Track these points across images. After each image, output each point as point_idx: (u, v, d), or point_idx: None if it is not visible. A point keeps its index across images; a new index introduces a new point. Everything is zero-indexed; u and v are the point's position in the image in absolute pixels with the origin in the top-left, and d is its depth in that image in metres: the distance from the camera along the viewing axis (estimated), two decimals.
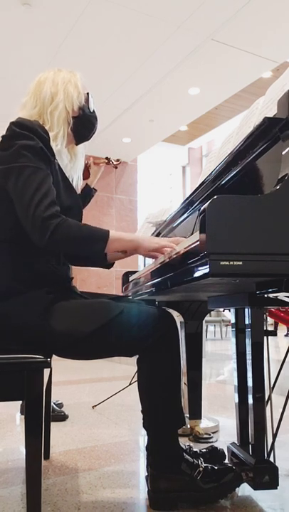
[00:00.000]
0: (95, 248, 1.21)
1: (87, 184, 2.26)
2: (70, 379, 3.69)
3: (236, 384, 1.44)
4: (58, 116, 1.34)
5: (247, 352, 1.28)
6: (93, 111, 1.45)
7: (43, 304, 1.23)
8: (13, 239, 1.28)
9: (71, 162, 1.45)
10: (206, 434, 1.91)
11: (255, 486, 1.24)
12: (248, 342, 1.26)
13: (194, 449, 1.39)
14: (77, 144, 1.47)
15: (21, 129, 1.24)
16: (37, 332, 1.21)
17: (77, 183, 1.47)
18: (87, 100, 1.42)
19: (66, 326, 1.22)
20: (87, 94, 1.43)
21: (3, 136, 1.25)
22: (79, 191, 1.50)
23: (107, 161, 2.47)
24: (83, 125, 1.42)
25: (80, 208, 1.44)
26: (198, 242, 0.89)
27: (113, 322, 1.23)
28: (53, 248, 1.22)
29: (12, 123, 1.25)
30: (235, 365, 1.45)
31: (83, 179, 1.69)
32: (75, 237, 1.20)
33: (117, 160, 2.63)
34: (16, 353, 1.15)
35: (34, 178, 1.20)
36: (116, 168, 2.68)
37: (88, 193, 2.24)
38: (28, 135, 1.23)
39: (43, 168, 1.23)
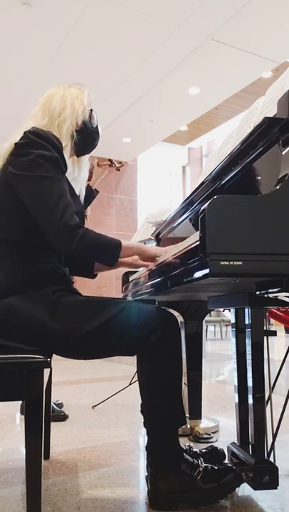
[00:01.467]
0: (113, 255, 1.32)
1: (88, 185, 2.26)
2: (70, 379, 3.69)
3: (236, 384, 1.44)
4: (66, 130, 1.38)
5: (247, 352, 1.28)
6: (96, 126, 1.48)
7: (44, 304, 1.23)
8: (14, 239, 1.29)
9: (74, 173, 1.48)
10: (206, 434, 1.91)
11: (255, 486, 1.24)
12: (248, 342, 1.27)
13: (194, 449, 1.39)
14: (78, 157, 1.50)
15: (38, 138, 1.27)
16: (37, 332, 1.22)
17: (80, 192, 1.51)
18: (90, 116, 1.45)
19: (66, 324, 1.22)
20: (91, 110, 1.46)
21: (17, 144, 1.28)
22: (82, 198, 1.54)
23: (110, 163, 2.48)
24: (85, 139, 1.45)
25: (82, 214, 1.52)
26: (198, 242, 0.89)
27: (113, 320, 1.24)
28: (78, 255, 1.30)
29: (28, 131, 1.28)
30: (235, 365, 1.45)
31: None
32: (97, 246, 1.30)
33: (120, 163, 2.64)
34: (16, 352, 1.15)
35: (55, 188, 1.24)
36: (118, 170, 2.69)
37: (90, 194, 2.24)
38: (45, 145, 1.26)
39: (61, 179, 1.27)
